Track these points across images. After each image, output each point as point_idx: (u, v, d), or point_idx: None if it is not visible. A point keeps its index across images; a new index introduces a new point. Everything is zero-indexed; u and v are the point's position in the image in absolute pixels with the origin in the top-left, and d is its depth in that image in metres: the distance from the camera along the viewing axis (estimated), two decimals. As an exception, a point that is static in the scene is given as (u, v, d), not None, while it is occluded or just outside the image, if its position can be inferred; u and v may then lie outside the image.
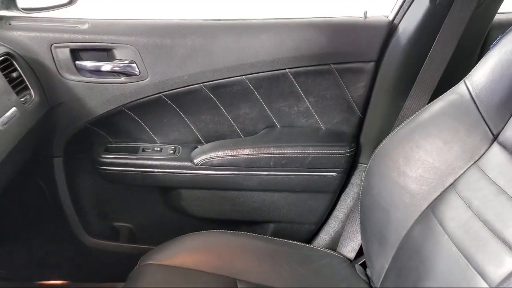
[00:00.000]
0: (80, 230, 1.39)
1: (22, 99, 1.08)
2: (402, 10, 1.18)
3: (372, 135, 1.28)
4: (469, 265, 0.76)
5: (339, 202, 1.37)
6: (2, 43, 1.12)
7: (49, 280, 1.49)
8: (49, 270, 1.50)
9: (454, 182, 0.90)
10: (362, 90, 1.24)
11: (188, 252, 1.10)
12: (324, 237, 1.38)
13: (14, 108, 1.01)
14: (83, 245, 1.40)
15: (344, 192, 1.36)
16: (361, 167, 1.33)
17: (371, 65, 1.21)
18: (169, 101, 1.27)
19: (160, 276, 1.01)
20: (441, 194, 0.91)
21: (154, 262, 1.04)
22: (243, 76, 1.23)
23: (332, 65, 1.22)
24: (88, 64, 1.21)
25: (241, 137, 1.34)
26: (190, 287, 0.99)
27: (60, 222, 1.37)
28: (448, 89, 0.95)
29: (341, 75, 1.23)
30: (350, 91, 1.25)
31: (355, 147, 1.29)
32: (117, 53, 1.20)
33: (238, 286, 1.01)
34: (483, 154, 0.88)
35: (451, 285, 0.79)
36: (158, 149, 1.33)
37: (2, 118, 0.95)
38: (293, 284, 1.06)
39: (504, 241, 0.72)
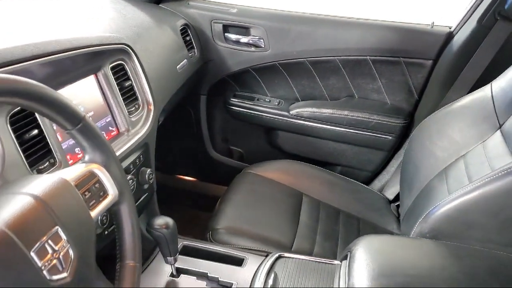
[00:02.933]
0: (209, 146, 1.98)
1: (190, 54, 1.64)
2: (460, 25, 1.54)
3: (423, 113, 1.63)
4: None
5: (392, 160, 1.77)
6: (182, 17, 1.70)
7: (183, 175, 2.13)
8: (185, 169, 2.12)
9: (465, 154, 1.23)
10: (421, 79, 1.63)
11: (275, 170, 1.60)
12: (376, 183, 1.80)
13: (185, 60, 1.58)
14: (209, 157, 1.99)
15: (397, 153, 1.75)
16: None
17: (430, 62, 1.58)
18: (281, 68, 1.76)
19: (254, 179, 1.54)
20: (455, 160, 1.24)
21: (252, 171, 1.58)
22: (335, 57, 1.67)
23: (401, 58, 1.61)
24: (233, 36, 1.75)
25: (327, 100, 1.79)
26: (271, 191, 1.49)
27: (197, 138, 1.96)
28: None
29: (407, 66, 1.62)
30: (412, 79, 1.64)
31: (409, 120, 1.68)
32: (252, 31, 1.73)
33: (303, 198, 1.49)
34: (489, 137, 1.21)
35: None
36: (268, 100, 1.84)
37: (179, 65, 1.53)
38: (341, 204, 1.50)
39: None
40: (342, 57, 1.67)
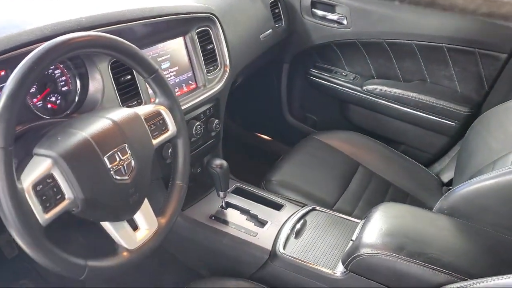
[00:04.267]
0: (286, 110, 2.18)
1: (277, 25, 1.83)
2: (542, 21, 1.54)
3: (491, 104, 1.62)
4: None
5: (455, 146, 1.82)
6: (276, -10, 1.89)
7: (260, 133, 2.35)
8: (262, 128, 2.35)
9: (517, 148, 1.30)
10: (493, 72, 1.64)
11: (339, 139, 1.75)
12: (436, 166, 1.86)
13: (270, 30, 1.77)
14: (284, 120, 2.19)
15: (461, 140, 1.77)
16: (476, 126, 1.74)
17: (504, 56, 1.60)
18: (360, 46, 1.88)
19: (317, 145, 1.71)
20: (506, 153, 1.26)
21: (317, 137, 1.74)
22: (412, 41, 1.75)
23: (476, 49, 1.64)
24: (319, 12, 1.90)
25: (400, 81, 1.87)
26: (330, 157, 1.64)
27: (276, 102, 2.17)
28: None
29: (481, 57, 1.65)
30: (484, 70, 1.66)
31: (475, 110, 1.71)
32: (337, 9, 1.86)
33: (359, 168, 1.63)
34: None
35: None
36: (345, 74, 1.97)
37: (263, 34, 1.72)
38: (393, 178, 1.61)
39: None
40: (419, 42, 1.74)
